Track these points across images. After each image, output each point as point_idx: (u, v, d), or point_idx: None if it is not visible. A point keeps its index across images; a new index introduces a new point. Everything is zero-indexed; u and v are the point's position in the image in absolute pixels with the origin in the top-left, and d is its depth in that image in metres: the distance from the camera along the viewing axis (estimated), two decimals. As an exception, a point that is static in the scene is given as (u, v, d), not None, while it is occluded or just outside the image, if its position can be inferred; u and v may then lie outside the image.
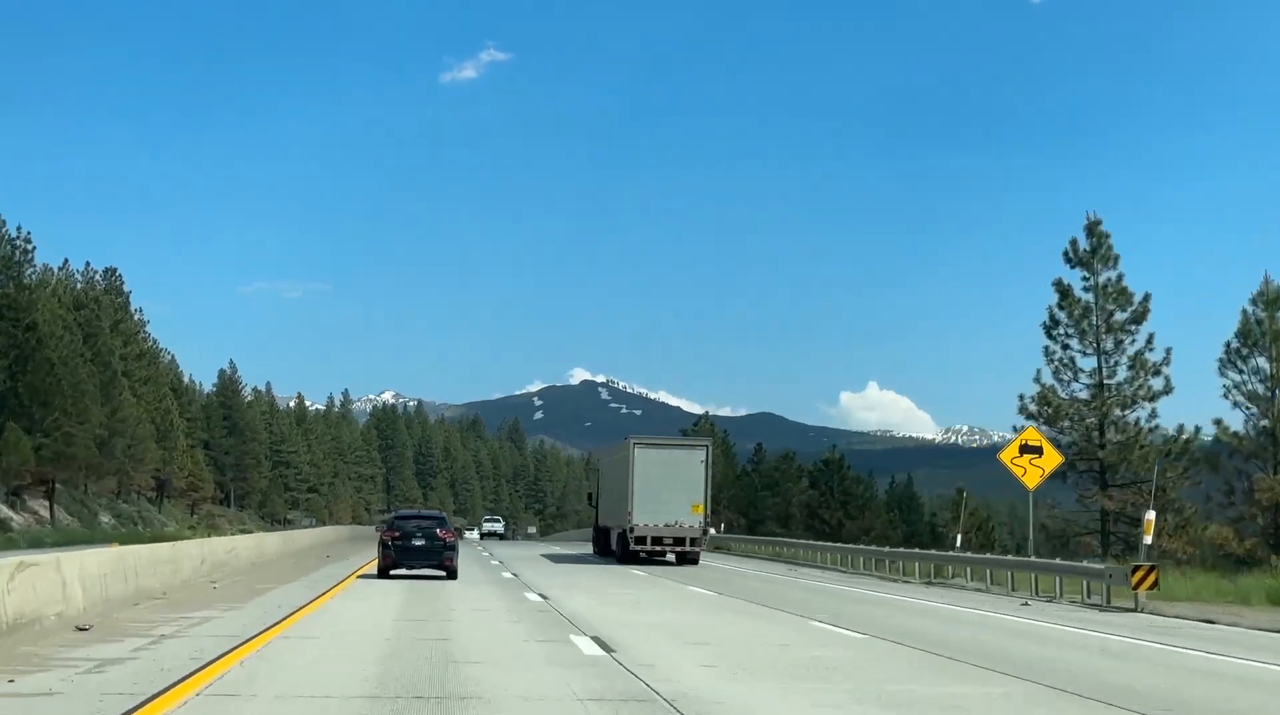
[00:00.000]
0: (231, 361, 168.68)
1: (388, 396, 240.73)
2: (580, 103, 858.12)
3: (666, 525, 40.25)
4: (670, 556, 42.04)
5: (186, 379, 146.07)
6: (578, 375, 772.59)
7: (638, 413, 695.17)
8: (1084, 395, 40.50)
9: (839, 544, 51.62)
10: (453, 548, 29.98)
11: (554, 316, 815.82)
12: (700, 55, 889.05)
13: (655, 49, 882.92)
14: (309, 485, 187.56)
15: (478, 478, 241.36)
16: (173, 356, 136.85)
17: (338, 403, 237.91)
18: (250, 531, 71.06)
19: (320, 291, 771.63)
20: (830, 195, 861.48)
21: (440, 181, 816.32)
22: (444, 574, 29.58)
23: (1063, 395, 40.32)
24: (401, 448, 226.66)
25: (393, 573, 29.81)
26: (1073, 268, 40.97)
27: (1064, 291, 40.76)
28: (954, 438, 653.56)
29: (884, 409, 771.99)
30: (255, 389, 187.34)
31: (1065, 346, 40.96)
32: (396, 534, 29.97)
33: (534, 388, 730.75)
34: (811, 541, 53.95)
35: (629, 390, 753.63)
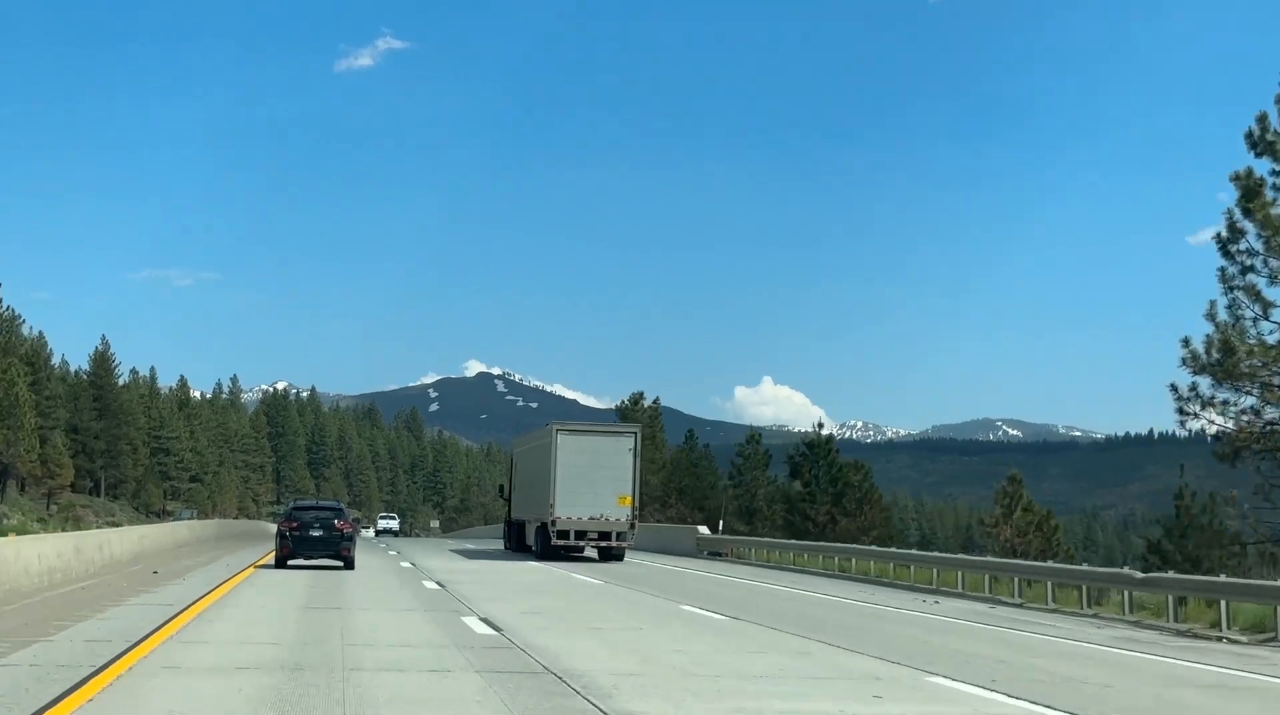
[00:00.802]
0: (104, 338, 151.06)
1: (280, 386, 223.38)
2: (477, 93, 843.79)
3: (591, 518, 37.40)
4: (591, 552, 39.25)
5: (58, 361, 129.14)
6: (473, 367, 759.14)
7: (534, 405, 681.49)
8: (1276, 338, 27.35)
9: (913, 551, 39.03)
10: (350, 538, 29.90)
11: (449, 308, 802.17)
12: (595, 48, 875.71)
13: (550, 41, 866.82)
14: (191, 474, 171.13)
15: (374, 468, 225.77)
16: (40, 333, 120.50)
17: (226, 390, 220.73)
18: (119, 525, 62.50)
19: (211, 280, 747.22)
20: (724, 191, 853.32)
21: (335, 170, 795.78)
22: (341, 564, 29.58)
23: (1249, 340, 26.99)
24: (293, 436, 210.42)
25: (290, 563, 29.74)
26: (1258, 155, 27.58)
27: (1250, 189, 27.20)
28: (848, 433, 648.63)
29: (778, 404, 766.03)
30: (134, 371, 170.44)
31: (1247, 269, 27.59)
32: (294, 524, 29.73)
33: (429, 380, 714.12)
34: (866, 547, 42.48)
35: (526, 383, 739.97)
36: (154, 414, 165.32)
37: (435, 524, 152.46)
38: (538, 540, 39.44)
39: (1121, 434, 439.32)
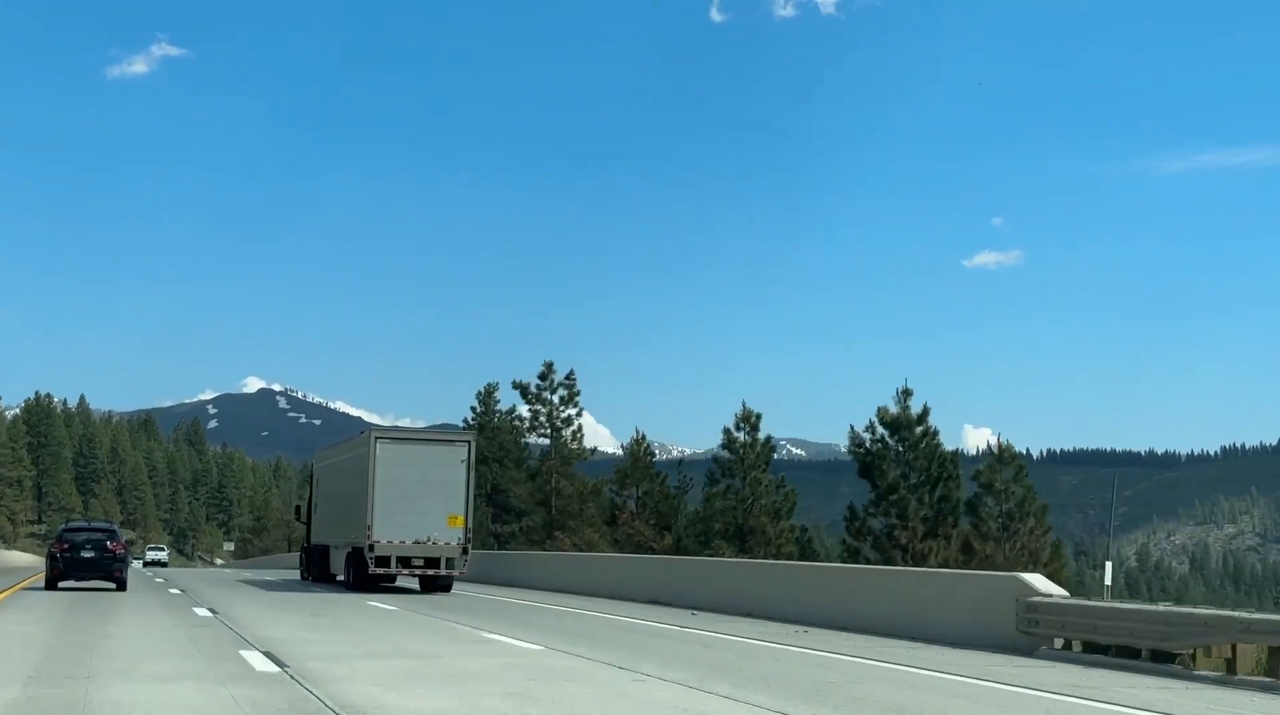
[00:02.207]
0: None
1: (44, 393, 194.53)
2: (254, 102, 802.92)
3: (417, 542, 30.87)
4: (411, 581, 32.76)
5: None
6: (252, 383, 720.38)
7: (317, 422, 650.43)
8: None
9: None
10: (123, 560, 29.55)
11: (225, 323, 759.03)
12: (375, 61, 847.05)
13: (330, 51, 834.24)
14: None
15: (151, 484, 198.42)
16: None
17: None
18: None
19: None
20: (502, 206, 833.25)
21: (105, 180, 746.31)
22: (114, 585, 29.15)
23: None
24: (58, 447, 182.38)
25: (61, 585, 29.17)
26: None
27: None
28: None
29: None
30: None
31: None
32: (66, 546, 29.12)
33: (207, 396, 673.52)
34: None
35: (308, 399, 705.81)
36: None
37: (229, 546, 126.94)
38: (349, 568, 33.11)
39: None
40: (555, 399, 59.83)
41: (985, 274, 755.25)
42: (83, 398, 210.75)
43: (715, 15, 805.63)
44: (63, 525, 33.98)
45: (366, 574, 31.25)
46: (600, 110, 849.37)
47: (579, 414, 58.05)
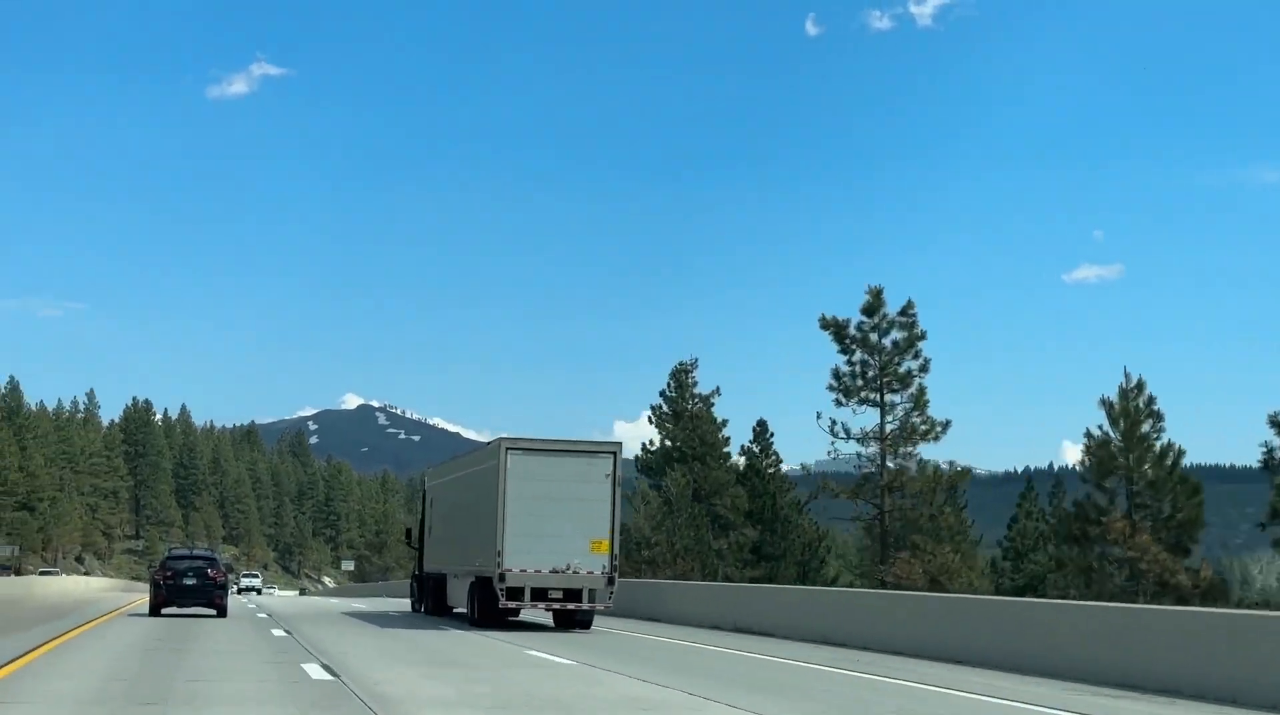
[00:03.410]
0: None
1: (142, 399, 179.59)
2: (353, 122, 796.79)
3: (555, 570, 26.56)
4: (540, 615, 29.49)
5: None
6: (351, 400, 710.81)
7: (416, 438, 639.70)
8: None
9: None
10: (223, 587, 30.15)
11: (325, 340, 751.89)
12: (467, 79, 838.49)
13: (425, 72, 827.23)
14: (19, 500, 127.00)
15: (254, 496, 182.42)
16: None
17: (81, 407, 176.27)
18: None
19: (78, 311, 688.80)
20: (609, 220, 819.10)
21: (208, 200, 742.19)
22: (214, 612, 29.57)
23: None
24: (156, 457, 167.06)
25: (164, 611, 29.76)
26: None
27: None
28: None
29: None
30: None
31: None
32: (169, 573, 29.73)
33: (307, 412, 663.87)
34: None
35: (407, 415, 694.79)
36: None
37: (349, 566, 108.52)
38: (473, 601, 28.21)
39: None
40: (887, 344, 39.44)
41: (1085, 288, 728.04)
42: (184, 407, 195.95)
43: (810, 28, 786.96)
44: (166, 553, 34.62)
45: (494, 608, 27.15)
46: (694, 123, 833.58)
47: (922, 369, 38.29)
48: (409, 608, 37.24)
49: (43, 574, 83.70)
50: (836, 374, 31.02)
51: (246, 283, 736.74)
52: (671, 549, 49.36)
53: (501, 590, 26.38)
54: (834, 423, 32.83)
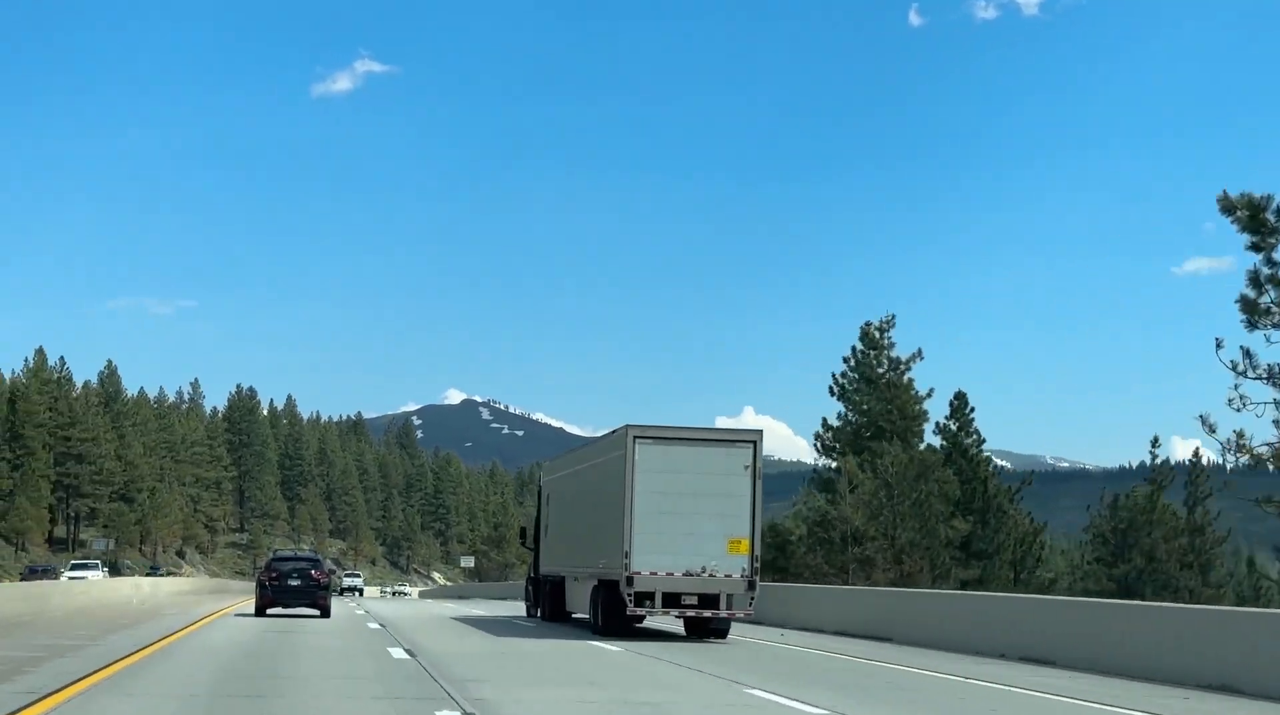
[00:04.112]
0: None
1: (246, 387, 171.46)
2: (459, 118, 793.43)
3: (689, 573, 23.94)
4: (669, 622, 26.98)
5: None
6: (454, 395, 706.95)
7: (520, 433, 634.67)
8: None
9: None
10: (326, 588, 30.76)
11: (427, 335, 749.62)
12: (580, 74, 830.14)
13: (534, 67, 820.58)
14: (116, 490, 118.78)
15: (361, 488, 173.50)
16: None
17: (186, 397, 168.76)
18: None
19: (189, 308, 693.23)
20: (707, 216, 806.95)
21: (313, 197, 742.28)
22: (318, 612, 29.90)
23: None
24: (261, 446, 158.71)
25: (269, 611, 30.14)
26: None
27: None
28: (834, 464, 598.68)
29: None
30: (25, 359, 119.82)
31: None
32: (274, 575, 30.35)
33: (411, 407, 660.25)
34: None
35: (510, 410, 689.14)
36: (61, 408, 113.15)
37: (468, 563, 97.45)
38: (596, 606, 25.53)
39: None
40: None
41: (1196, 281, 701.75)
42: (290, 397, 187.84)
43: (914, 19, 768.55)
44: (271, 554, 35.59)
45: (621, 614, 24.11)
46: (797, 117, 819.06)
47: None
48: (524, 612, 34.91)
49: (150, 572, 75.01)
50: (1254, 280, 19.80)
51: (350, 279, 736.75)
52: (893, 545, 37.87)
53: (629, 595, 23.96)
54: (1244, 354, 21.04)
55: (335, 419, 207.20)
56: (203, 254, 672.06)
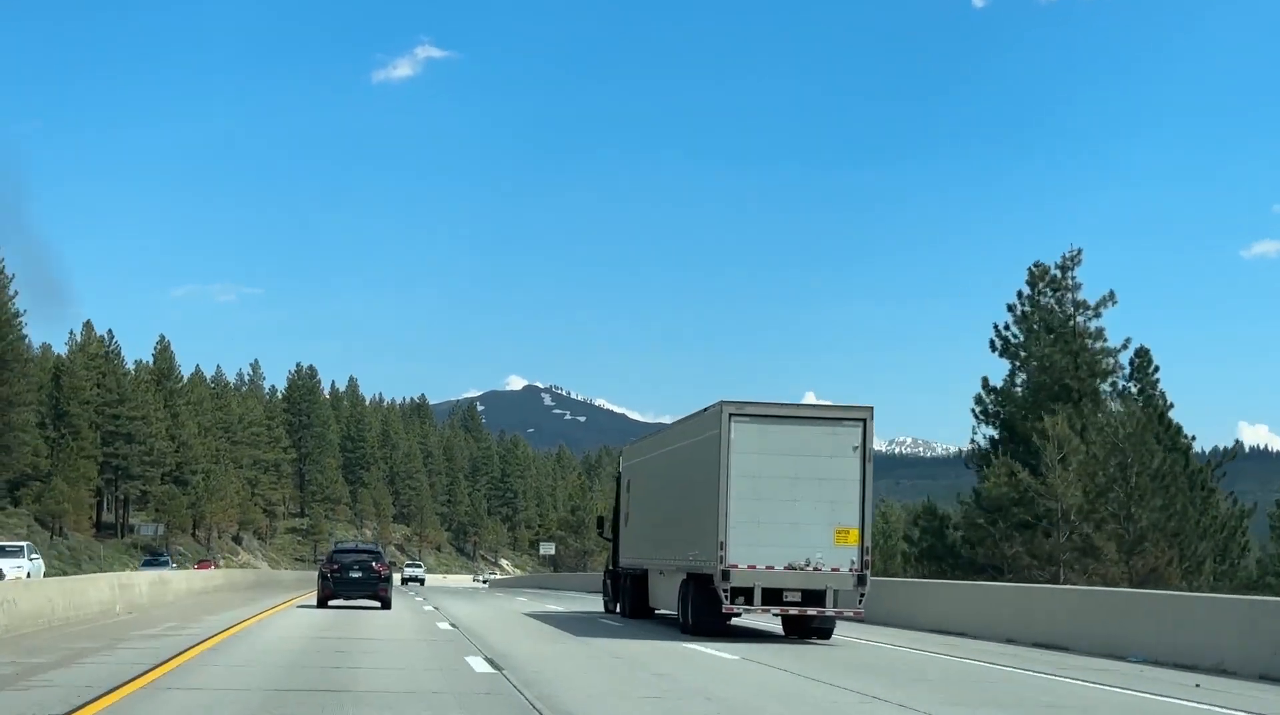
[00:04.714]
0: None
1: (306, 366, 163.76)
2: (519, 103, 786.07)
3: (790, 566, 21.60)
4: (765, 621, 24.64)
5: None
6: (515, 382, 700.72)
7: (582, 419, 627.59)
8: None
9: None
10: (387, 580, 30.63)
11: (488, 322, 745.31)
12: (638, 60, 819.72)
13: (594, 52, 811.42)
14: (168, 472, 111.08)
15: (426, 472, 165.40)
16: None
17: (246, 378, 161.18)
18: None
19: (252, 296, 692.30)
20: (768, 202, 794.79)
21: (375, 183, 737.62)
22: (379, 604, 30.03)
23: None
24: (322, 428, 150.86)
25: (330, 603, 30.32)
26: None
27: None
28: (898, 449, 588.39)
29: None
30: (72, 332, 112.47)
31: None
32: (335, 566, 30.45)
33: (473, 393, 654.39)
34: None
35: (572, 396, 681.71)
36: (110, 385, 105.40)
37: (549, 550, 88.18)
38: (686, 603, 23.16)
39: None
40: None
41: (1265, 263, 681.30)
42: (352, 378, 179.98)
43: (976, 1, 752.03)
44: (333, 546, 35.33)
45: (715, 612, 21.90)
46: (856, 102, 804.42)
47: None
48: (601, 606, 32.86)
49: (151, 563, 66.21)
50: None
51: (412, 266, 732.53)
52: (1133, 529, 28.36)
53: (724, 591, 21.55)
54: None
55: (399, 401, 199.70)
56: (266, 241, 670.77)
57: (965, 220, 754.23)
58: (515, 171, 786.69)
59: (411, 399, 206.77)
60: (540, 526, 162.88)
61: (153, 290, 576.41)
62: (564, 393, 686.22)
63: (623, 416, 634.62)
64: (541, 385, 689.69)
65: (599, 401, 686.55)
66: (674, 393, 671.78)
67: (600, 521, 35.37)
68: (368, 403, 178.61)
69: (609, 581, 31.95)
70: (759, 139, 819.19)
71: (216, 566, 69.89)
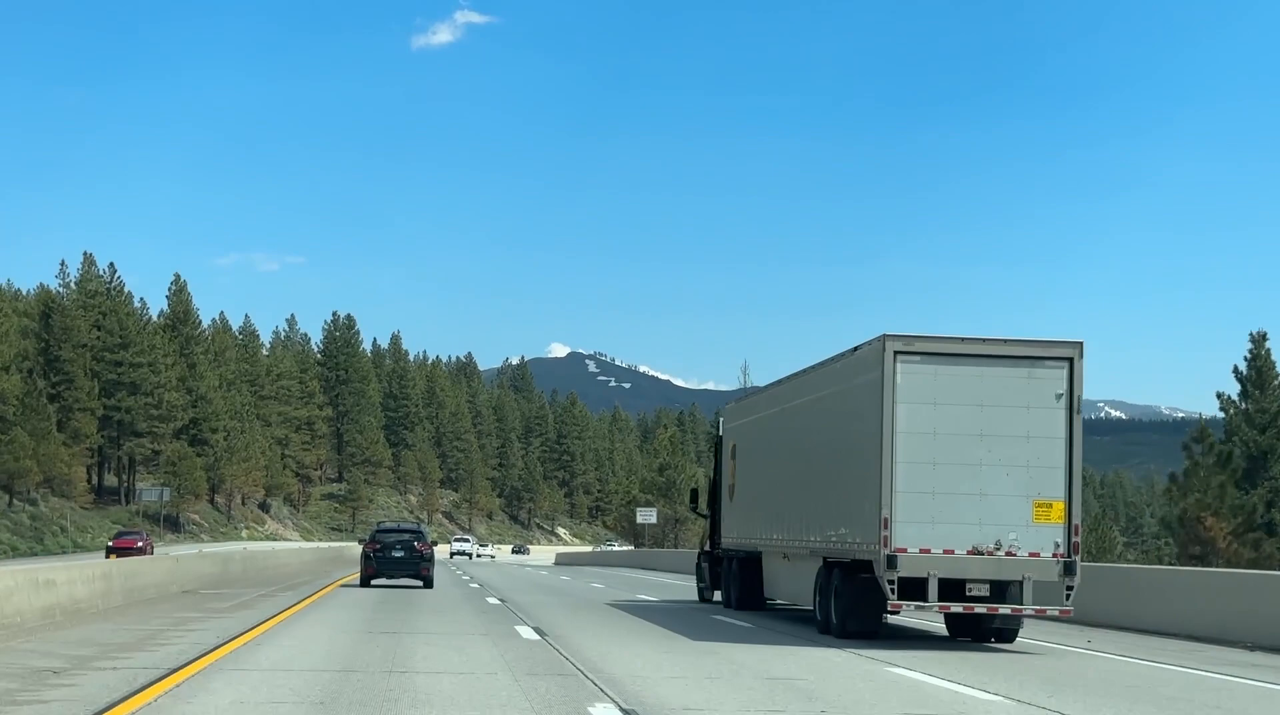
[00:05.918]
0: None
1: (344, 315, 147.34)
2: (557, 68, 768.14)
3: (975, 550, 16.73)
4: (924, 619, 20.72)
5: None
6: (557, 349, 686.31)
7: (626, 386, 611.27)
8: None
9: None
10: (429, 559, 30.86)
11: (530, 289, 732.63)
12: (682, 22, 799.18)
13: (637, 15, 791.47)
14: (180, 428, 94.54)
15: (475, 433, 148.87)
16: None
17: (283, 333, 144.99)
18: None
19: (296, 264, 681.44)
20: (810, 167, 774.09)
21: (415, 152, 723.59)
22: (420, 583, 30.40)
23: None
24: (361, 383, 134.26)
25: (373, 582, 30.67)
26: None
27: None
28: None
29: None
30: (62, 262, 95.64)
31: None
32: (377, 546, 30.80)
33: (516, 361, 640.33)
34: None
35: (616, 363, 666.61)
36: (110, 326, 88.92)
37: (649, 517, 71.15)
38: (833, 597, 18.10)
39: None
40: None
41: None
42: (395, 334, 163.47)
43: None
44: (375, 526, 35.15)
45: (872, 609, 17.25)
46: (906, 60, 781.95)
47: None
48: (695, 595, 28.51)
49: (119, 540, 49.48)
50: None
51: (453, 236, 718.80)
52: None
53: (889, 582, 16.57)
54: None
55: (446, 359, 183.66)
56: (310, 210, 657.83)
57: (1021, 169, 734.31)
58: (555, 138, 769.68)
59: (458, 357, 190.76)
60: (600, 492, 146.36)
61: (201, 257, 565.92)
62: (608, 359, 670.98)
63: (668, 382, 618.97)
64: (585, 352, 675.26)
65: (643, 368, 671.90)
66: (717, 360, 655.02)
67: (693, 495, 32.65)
68: (411, 359, 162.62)
69: (704, 564, 28.28)
70: (804, 105, 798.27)
71: (150, 551, 48.75)
